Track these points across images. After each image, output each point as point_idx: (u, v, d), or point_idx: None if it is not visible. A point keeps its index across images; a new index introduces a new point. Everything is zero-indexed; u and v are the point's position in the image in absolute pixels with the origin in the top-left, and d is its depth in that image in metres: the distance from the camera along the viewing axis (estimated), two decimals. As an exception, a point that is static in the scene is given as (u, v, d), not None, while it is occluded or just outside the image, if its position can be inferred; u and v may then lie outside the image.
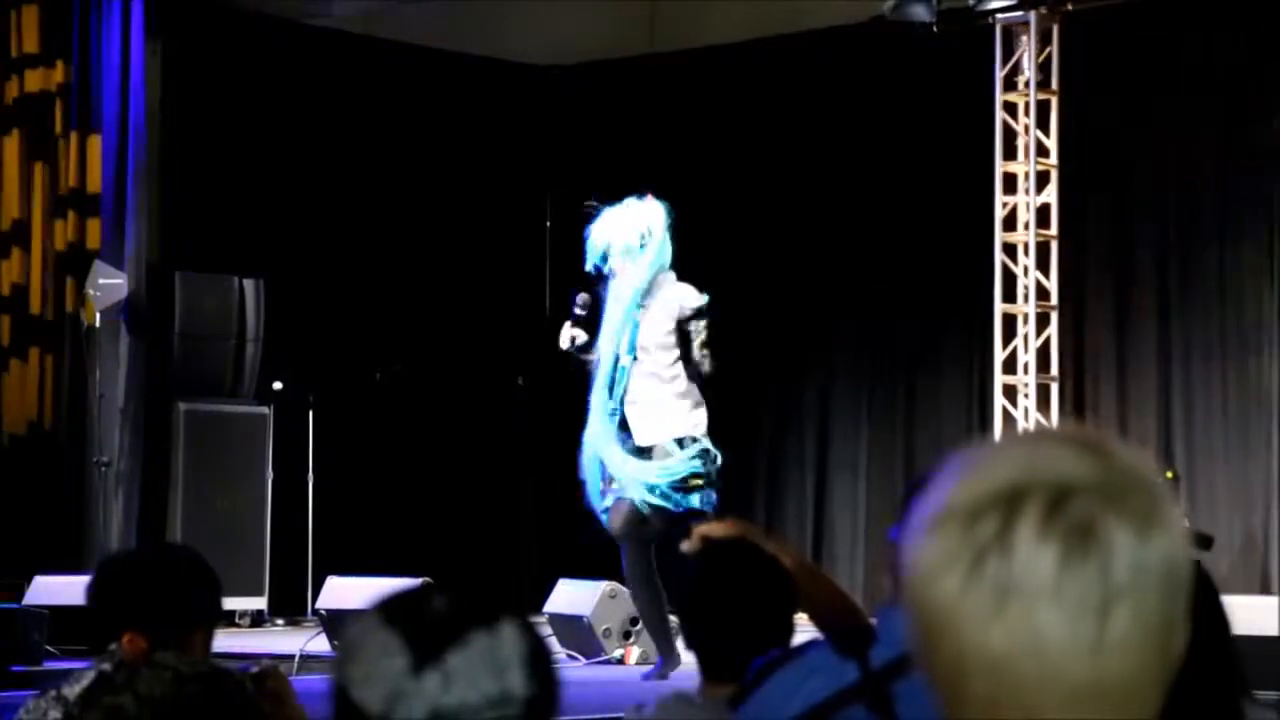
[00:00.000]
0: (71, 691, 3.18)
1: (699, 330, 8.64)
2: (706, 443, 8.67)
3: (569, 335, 8.86)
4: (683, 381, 8.67)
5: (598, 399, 8.76)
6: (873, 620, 2.52)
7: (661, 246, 8.73)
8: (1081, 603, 1.23)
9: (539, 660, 1.66)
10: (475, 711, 1.60)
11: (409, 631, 1.63)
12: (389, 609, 1.67)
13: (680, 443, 8.60)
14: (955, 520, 1.27)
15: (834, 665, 2.25)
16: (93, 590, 3.40)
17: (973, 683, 1.25)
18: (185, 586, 3.43)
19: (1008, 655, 1.23)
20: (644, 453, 8.59)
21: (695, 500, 8.53)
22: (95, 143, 11.91)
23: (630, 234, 8.71)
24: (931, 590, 1.27)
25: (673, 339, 8.66)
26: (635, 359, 8.66)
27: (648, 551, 8.70)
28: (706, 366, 8.64)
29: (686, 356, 8.65)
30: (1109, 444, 1.30)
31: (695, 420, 8.68)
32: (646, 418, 8.63)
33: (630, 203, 8.83)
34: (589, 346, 8.82)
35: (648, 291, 8.69)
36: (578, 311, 8.86)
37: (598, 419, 8.73)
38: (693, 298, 8.70)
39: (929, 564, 1.27)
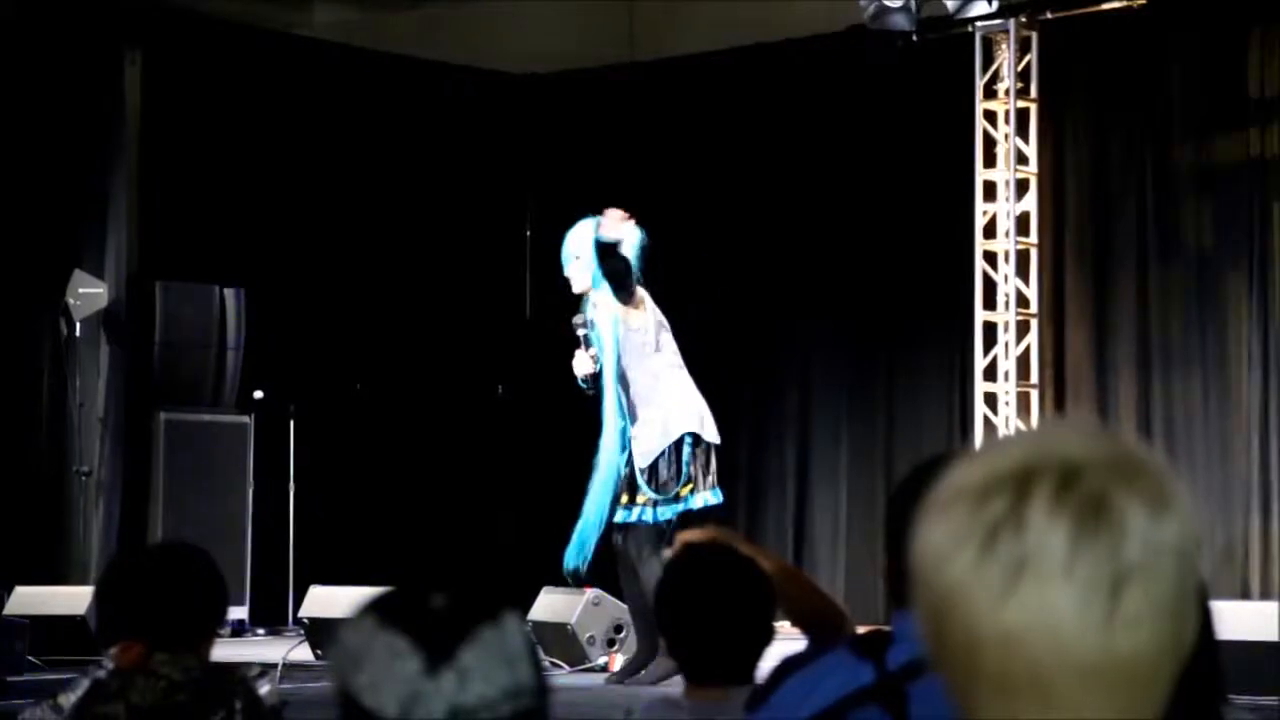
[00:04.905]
0: (67, 700, 3.16)
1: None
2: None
3: (587, 361, 8.68)
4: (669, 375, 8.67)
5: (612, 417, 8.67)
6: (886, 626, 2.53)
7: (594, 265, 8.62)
8: (1093, 579, 1.23)
9: (535, 650, 1.66)
10: (492, 706, 1.58)
11: (415, 632, 1.59)
12: (387, 611, 1.61)
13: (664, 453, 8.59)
14: (966, 500, 1.27)
15: (850, 666, 2.26)
16: (101, 594, 3.29)
17: (985, 660, 1.25)
18: (200, 588, 3.30)
19: (1020, 631, 1.24)
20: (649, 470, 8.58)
21: (679, 507, 8.55)
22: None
23: (585, 248, 8.65)
24: (943, 570, 1.27)
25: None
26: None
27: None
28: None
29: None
30: (1117, 432, 1.31)
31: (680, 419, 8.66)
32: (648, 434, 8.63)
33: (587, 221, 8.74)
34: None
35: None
36: (582, 333, 8.68)
37: (615, 436, 8.65)
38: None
39: (939, 544, 1.28)
